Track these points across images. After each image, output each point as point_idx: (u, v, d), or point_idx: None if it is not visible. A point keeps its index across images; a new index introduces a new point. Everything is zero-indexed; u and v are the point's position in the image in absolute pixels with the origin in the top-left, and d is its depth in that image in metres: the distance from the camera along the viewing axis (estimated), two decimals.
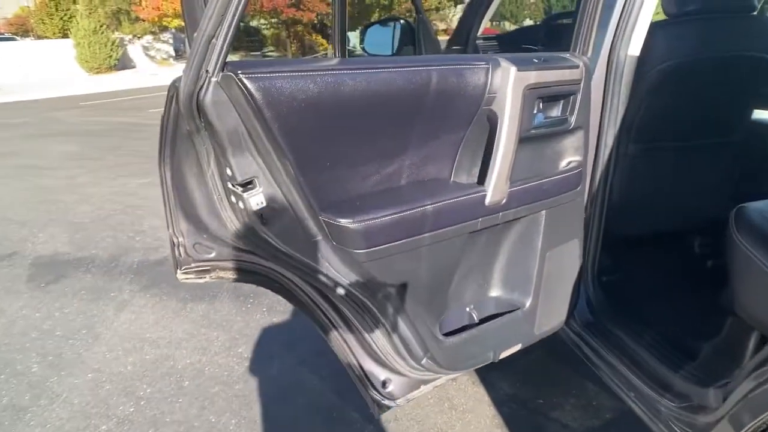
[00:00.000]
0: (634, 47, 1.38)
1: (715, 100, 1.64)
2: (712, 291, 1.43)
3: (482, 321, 1.45)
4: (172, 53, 23.08)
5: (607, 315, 1.61)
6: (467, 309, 1.46)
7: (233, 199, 1.08)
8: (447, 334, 1.39)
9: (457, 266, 1.38)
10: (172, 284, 3.07)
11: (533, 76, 1.23)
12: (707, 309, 1.51)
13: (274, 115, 0.98)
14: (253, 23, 23.25)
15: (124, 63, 20.52)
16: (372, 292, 1.19)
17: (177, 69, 19.88)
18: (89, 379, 2.26)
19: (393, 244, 1.15)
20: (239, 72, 0.95)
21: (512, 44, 2.85)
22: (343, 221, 1.09)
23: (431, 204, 1.17)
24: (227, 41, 0.93)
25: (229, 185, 1.07)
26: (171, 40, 23.03)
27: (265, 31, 24.05)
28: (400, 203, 1.15)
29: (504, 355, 1.49)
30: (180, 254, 1.20)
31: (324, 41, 22.67)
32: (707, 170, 1.78)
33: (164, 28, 20.92)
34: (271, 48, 24.14)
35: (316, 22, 21.41)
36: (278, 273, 1.22)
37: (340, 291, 1.16)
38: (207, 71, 0.94)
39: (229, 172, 1.03)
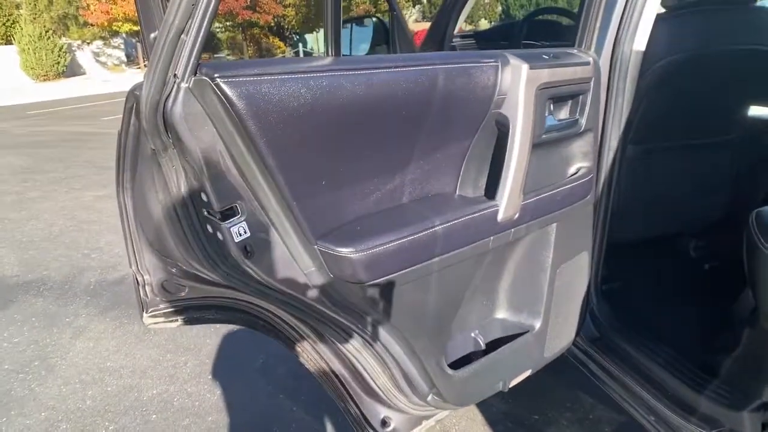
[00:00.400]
0: (640, 42, 1.28)
1: (717, 96, 1.57)
2: (728, 298, 1.35)
3: (489, 347, 1.32)
4: (124, 59, 22.37)
5: (614, 328, 1.51)
6: (472, 334, 1.33)
7: (210, 229, 0.92)
8: (452, 365, 1.26)
9: (465, 291, 1.25)
10: (134, 305, 2.85)
11: (545, 75, 1.11)
12: (724, 318, 1.42)
13: (259, 127, 0.82)
14: None
15: (73, 69, 19.76)
16: (373, 326, 1.05)
17: (130, 75, 19.24)
18: (43, 419, 2.04)
19: (398, 273, 1.01)
20: (216, 75, 0.78)
21: (492, 43, 2.76)
22: (343, 251, 0.94)
23: (440, 224, 1.03)
24: (200, 37, 0.76)
25: (205, 213, 0.91)
26: (122, 45, 22.31)
27: (220, 35, 23.52)
28: (405, 225, 1.01)
29: (514, 383, 1.37)
30: (146, 295, 1.03)
31: (281, 44, 22.35)
32: (709, 170, 1.71)
33: (115, 33, 20.23)
34: (227, 52, 23.63)
35: (272, 24, 21.08)
36: (263, 309, 1.07)
37: (337, 327, 1.01)
38: (175, 75, 0.77)
39: (204, 197, 0.87)
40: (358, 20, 2.64)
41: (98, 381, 2.27)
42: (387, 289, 1.02)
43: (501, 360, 1.30)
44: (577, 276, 1.44)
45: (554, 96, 1.17)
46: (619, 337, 1.50)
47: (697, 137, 1.65)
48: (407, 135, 1.03)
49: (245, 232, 0.88)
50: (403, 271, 1.02)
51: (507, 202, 1.12)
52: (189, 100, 0.78)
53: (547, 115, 1.17)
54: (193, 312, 1.09)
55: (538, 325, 1.36)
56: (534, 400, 2.04)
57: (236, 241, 0.88)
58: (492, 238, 1.13)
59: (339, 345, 1.11)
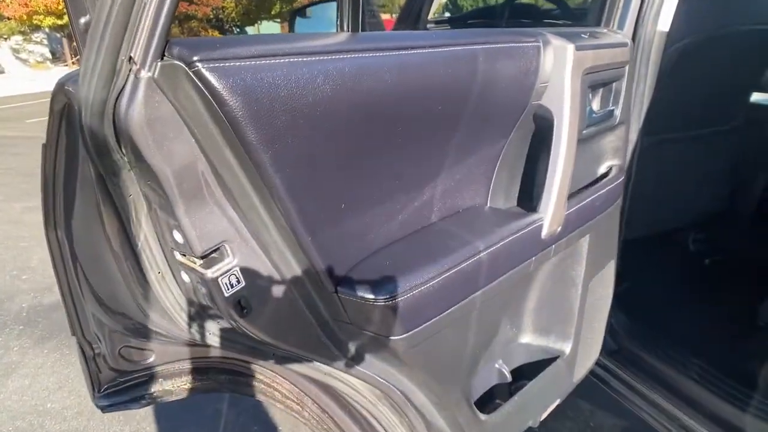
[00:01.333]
0: (664, 22, 1.13)
1: (733, 80, 1.46)
2: (754, 298, 1.24)
3: (515, 376, 1.14)
4: (49, 55, 20.93)
5: (633, 338, 1.38)
6: (496, 365, 1.14)
7: (185, 277, 0.68)
8: (478, 402, 1.07)
9: (500, 322, 1.06)
10: None
11: (590, 58, 0.93)
12: (752, 320, 1.31)
13: (263, 135, 0.58)
14: None
15: None
16: (397, 378, 0.84)
17: (57, 72, 17.96)
18: None
19: (440, 316, 0.80)
20: (195, 58, 0.53)
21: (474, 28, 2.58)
22: (373, 297, 0.72)
23: (485, 250, 0.83)
24: (169, 1, 0.51)
25: (179, 257, 0.66)
26: (45, 41, 20.86)
27: None
28: (446, 254, 0.80)
29: (543, 416, 1.20)
30: (98, 369, 0.78)
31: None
32: (720, 159, 1.60)
33: (36, 28, 18.81)
34: None
35: (211, 17, 20.28)
36: (255, 365, 0.84)
37: (359, 387, 0.80)
38: (131, 60, 0.52)
39: (178, 236, 0.62)
40: (319, 4, 2.41)
41: (37, 427, 1.96)
42: (423, 338, 0.81)
43: (533, 395, 1.13)
44: (605, 288, 1.29)
45: (593, 83, 0.99)
46: (640, 348, 1.37)
47: (712, 124, 1.54)
48: (441, 135, 0.83)
49: (238, 282, 0.64)
50: (445, 313, 0.81)
51: (553, 214, 0.93)
52: (153, 98, 0.53)
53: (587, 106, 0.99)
54: (164, 382, 0.84)
55: (568, 349, 1.19)
56: None
57: (226, 294, 0.64)
58: (534, 258, 0.94)
59: (349, 398, 0.90)
